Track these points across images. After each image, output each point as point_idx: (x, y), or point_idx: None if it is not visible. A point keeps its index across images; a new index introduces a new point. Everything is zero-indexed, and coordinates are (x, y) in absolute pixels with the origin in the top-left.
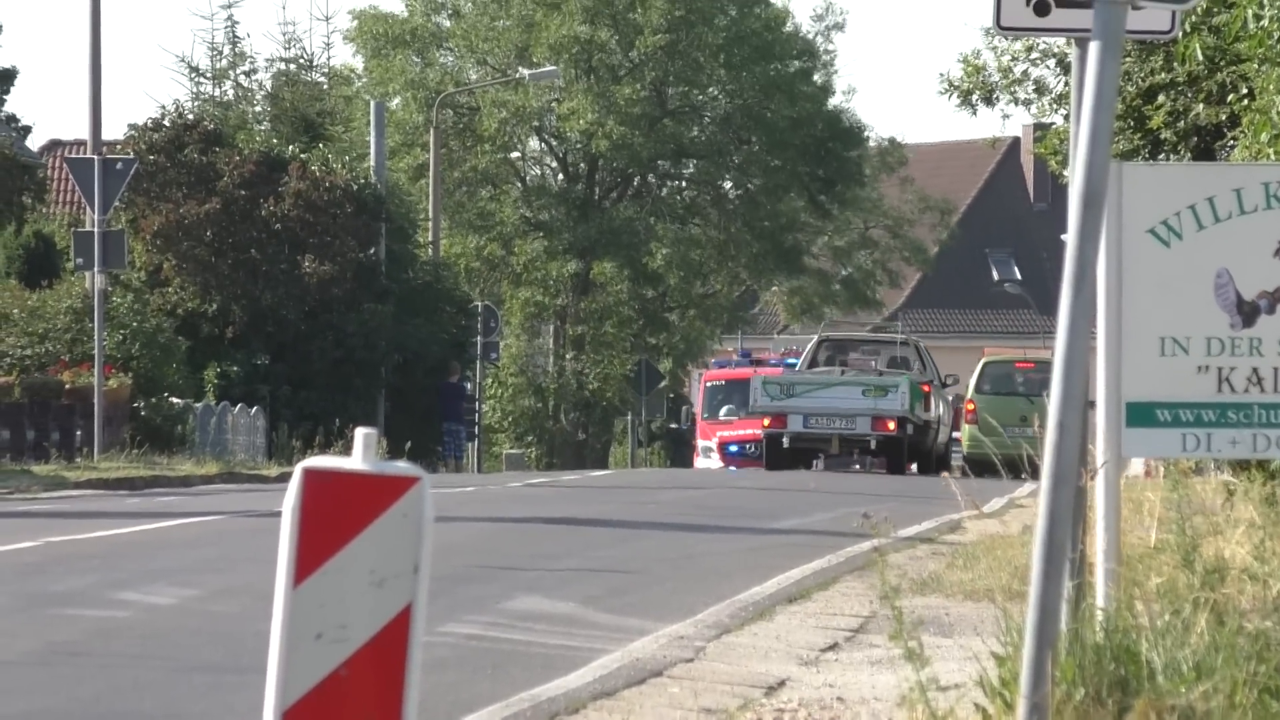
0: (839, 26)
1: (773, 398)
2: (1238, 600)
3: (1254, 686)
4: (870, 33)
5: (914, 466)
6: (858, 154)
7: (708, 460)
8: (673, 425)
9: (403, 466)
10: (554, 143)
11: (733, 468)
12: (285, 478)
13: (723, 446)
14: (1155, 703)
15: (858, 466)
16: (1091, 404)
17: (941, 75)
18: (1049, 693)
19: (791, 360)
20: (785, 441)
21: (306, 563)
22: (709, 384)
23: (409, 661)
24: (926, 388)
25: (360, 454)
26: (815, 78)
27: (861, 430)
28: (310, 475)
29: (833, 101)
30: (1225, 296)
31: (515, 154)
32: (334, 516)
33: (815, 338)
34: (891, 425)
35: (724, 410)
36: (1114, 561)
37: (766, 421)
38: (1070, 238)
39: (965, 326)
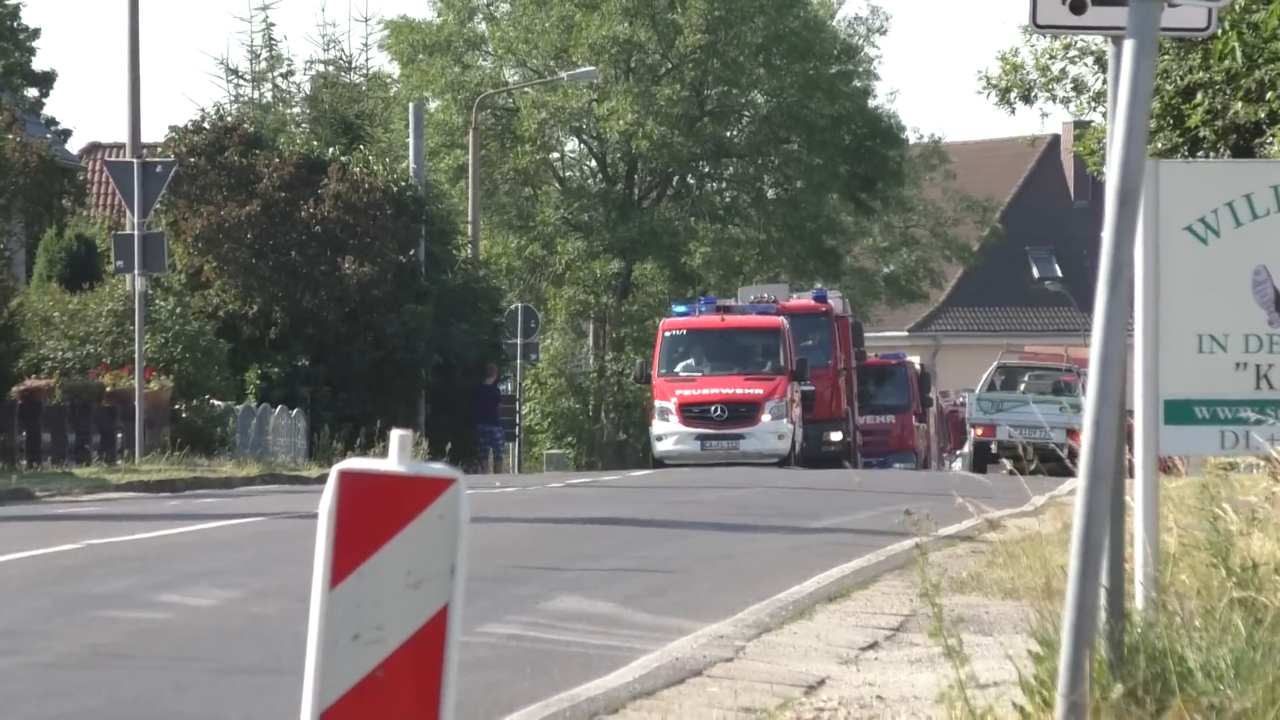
0: (881, 30)
1: (985, 412)
2: (1273, 598)
3: None
4: (908, 30)
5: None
6: (898, 153)
7: (665, 424)
8: None
9: (438, 468)
10: (594, 143)
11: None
12: (326, 479)
13: (683, 409)
14: (1192, 701)
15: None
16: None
17: (979, 73)
18: (1087, 691)
19: (765, 306)
20: (993, 448)
21: (343, 564)
22: (668, 333)
23: (446, 662)
24: None
25: (396, 455)
26: (856, 81)
27: (1058, 440)
28: (346, 477)
29: (873, 103)
30: (1263, 293)
31: (555, 155)
32: (370, 518)
33: (994, 364)
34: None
35: (683, 365)
36: (1152, 560)
37: (979, 431)
38: (1106, 235)
39: (1005, 324)
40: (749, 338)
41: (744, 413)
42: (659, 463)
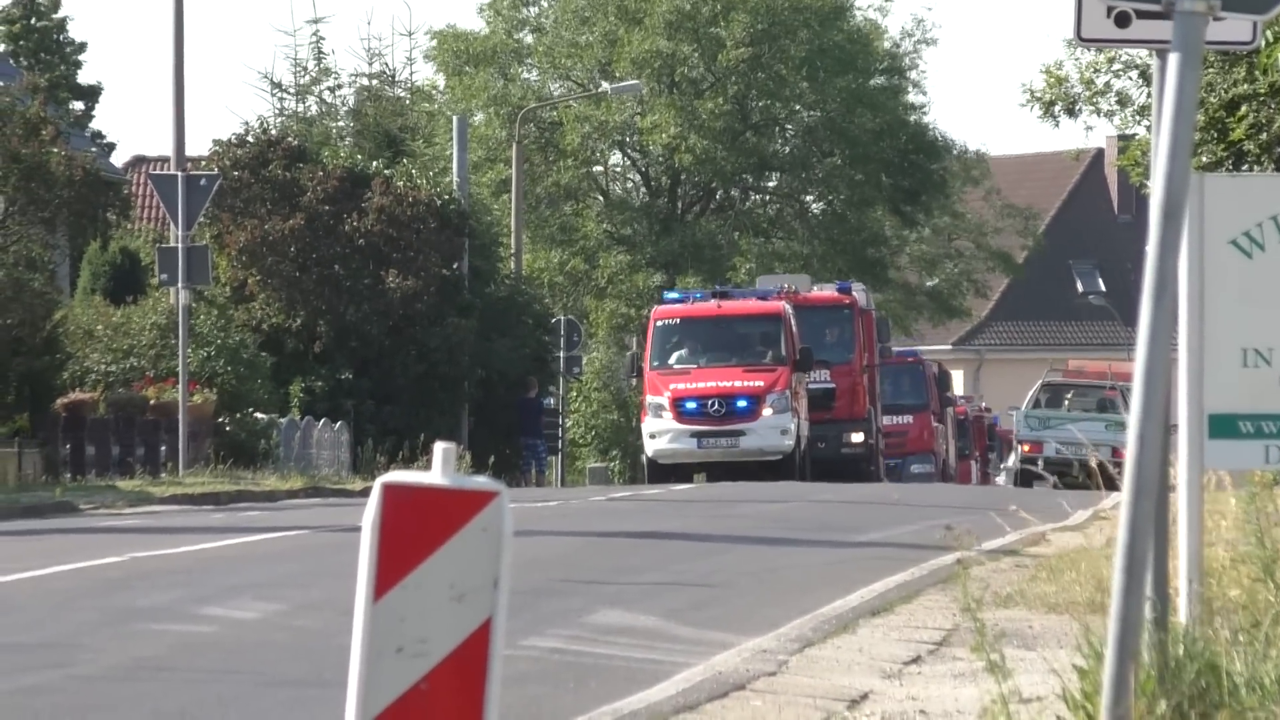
0: (929, 42)
1: (1032, 429)
2: None
3: None
4: (953, 44)
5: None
6: (941, 167)
7: (658, 421)
8: None
9: (482, 481)
10: (637, 157)
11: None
12: (369, 492)
13: (677, 404)
14: (1238, 716)
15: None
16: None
17: (1023, 86)
18: (1131, 706)
19: (765, 291)
20: (1039, 464)
21: (386, 577)
22: (660, 323)
23: (489, 675)
24: None
25: (439, 468)
26: (901, 96)
27: (1103, 458)
28: (389, 490)
29: (916, 117)
30: None
31: (598, 168)
32: (413, 531)
33: (1039, 381)
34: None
35: (676, 357)
36: (1196, 574)
37: (1026, 448)
38: (1150, 249)
39: (1049, 338)
40: (747, 325)
41: (743, 407)
42: (653, 463)
